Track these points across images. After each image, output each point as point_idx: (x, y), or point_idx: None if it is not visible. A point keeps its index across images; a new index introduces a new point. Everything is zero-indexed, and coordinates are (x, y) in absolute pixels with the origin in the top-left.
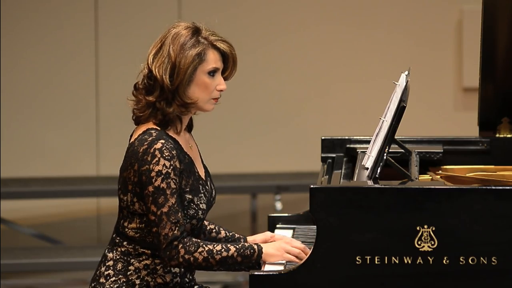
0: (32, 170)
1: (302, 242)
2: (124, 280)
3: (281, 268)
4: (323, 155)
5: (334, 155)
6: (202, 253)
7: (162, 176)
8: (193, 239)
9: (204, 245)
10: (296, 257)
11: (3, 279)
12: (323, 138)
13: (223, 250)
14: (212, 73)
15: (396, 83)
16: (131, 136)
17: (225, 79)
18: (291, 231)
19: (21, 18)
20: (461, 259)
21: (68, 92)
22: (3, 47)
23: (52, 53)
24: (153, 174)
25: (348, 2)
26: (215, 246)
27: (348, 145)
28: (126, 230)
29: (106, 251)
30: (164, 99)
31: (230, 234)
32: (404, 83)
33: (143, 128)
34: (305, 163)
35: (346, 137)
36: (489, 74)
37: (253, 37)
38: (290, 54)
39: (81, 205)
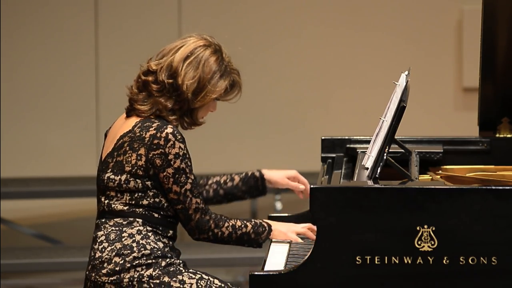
0: (32, 170)
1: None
2: (120, 246)
3: (281, 268)
4: (323, 155)
5: (334, 155)
6: (228, 228)
7: (181, 157)
8: (218, 214)
9: (229, 220)
10: (304, 234)
11: (3, 279)
12: (323, 138)
13: (242, 226)
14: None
15: (396, 83)
16: (107, 132)
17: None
18: None
19: (21, 18)
20: (461, 259)
21: (68, 92)
22: (3, 47)
23: (52, 53)
24: (170, 157)
25: (349, 4)
26: (236, 221)
27: (348, 145)
28: (113, 206)
29: (95, 233)
30: (175, 110)
31: (243, 175)
32: (404, 83)
33: (136, 119)
34: (305, 163)
35: (346, 137)
36: (489, 74)
37: (254, 38)
38: (291, 55)
39: (81, 205)
